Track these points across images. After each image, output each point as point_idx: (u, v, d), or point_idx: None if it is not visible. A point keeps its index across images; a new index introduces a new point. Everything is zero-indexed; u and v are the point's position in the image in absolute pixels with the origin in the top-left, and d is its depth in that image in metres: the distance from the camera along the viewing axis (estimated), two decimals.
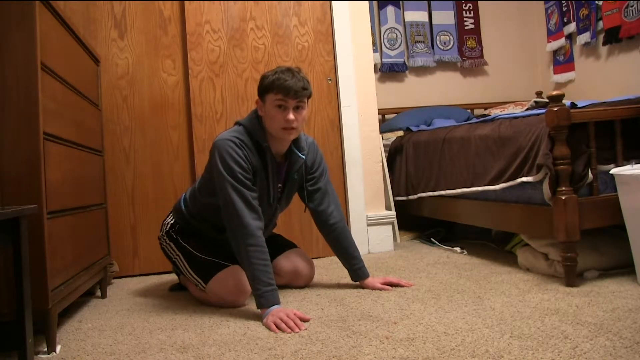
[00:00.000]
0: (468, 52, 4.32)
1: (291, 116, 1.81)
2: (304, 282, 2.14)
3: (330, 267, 2.55)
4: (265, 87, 1.84)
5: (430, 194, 2.95)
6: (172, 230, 2.11)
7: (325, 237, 2.11)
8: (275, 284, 1.74)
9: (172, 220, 2.15)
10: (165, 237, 2.12)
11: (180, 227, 2.10)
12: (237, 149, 1.81)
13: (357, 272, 2.08)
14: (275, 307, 1.68)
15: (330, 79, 2.93)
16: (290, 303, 1.91)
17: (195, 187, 2.08)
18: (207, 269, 1.93)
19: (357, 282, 2.09)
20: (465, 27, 4.33)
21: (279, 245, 2.18)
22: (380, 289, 2.01)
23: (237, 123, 1.94)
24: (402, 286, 2.03)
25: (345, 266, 2.11)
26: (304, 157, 1.99)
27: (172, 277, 2.47)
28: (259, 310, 1.71)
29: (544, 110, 2.00)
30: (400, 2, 4.19)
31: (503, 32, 4.41)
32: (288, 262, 2.12)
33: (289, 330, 1.55)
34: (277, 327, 1.58)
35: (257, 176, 1.88)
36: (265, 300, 1.69)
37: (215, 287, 1.89)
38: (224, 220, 1.82)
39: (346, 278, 2.17)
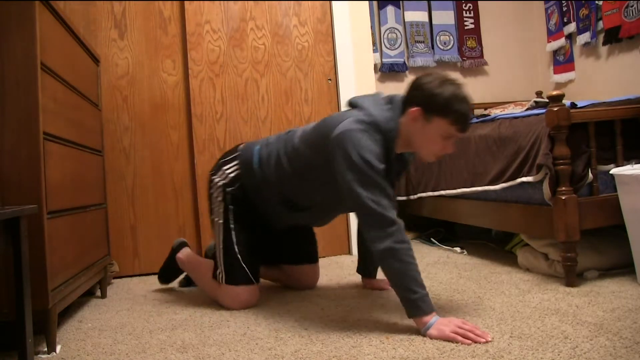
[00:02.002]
0: (468, 52, 4.32)
1: (452, 148, 1.60)
2: (305, 289, 2.14)
3: (330, 267, 2.55)
4: (441, 109, 1.53)
5: (430, 194, 2.95)
6: (231, 188, 1.86)
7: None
8: None
9: (235, 170, 1.87)
10: (218, 188, 1.88)
11: (241, 191, 1.85)
12: (374, 144, 1.54)
13: (372, 270, 2.05)
14: (436, 317, 1.45)
15: (330, 79, 2.93)
16: (290, 303, 1.91)
17: (284, 154, 1.78)
18: (236, 272, 1.84)
19: (361, 277, 2.08)
20: (465, 27, 4.33)
21: (310, 254, 2.13)
22: (382, 289, 2.00)
23: (368, 114, 1.61)
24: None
25: (363, 261, 2.07)
26: (409, 161, 1.85)
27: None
28: (412, 317, 1.47)
29: (544, 110, 2.00)
30: (400, 2, 4.19)
31: (503, 32, 4.41)
32: (306, 276, 2.11)
33: (482, 339, 1.35)
34: (463, 336, 1.36)
35: None
36: (427, 306, 1.45)
37: (232, 292, 1.85)
38: (363, 217, 1.55)
39: (346, 278, 2.17)
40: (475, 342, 1.34)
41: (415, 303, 1.45)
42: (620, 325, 1.40)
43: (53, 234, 1.53)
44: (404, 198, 3.26)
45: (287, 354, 1.37)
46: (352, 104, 1.71)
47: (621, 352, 1.22)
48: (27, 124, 1.46)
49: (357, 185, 1.51)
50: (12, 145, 1.45)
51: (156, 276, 2.35)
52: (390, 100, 1.66)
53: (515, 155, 2.15)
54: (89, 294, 2.25)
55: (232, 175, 1.87)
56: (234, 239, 1.84)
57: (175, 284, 2.36)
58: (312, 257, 2.13)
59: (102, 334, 1.67)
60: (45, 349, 1.50)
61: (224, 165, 1.91)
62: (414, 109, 1.56)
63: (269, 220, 1.93)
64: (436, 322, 1.42)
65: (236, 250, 1.83)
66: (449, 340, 1.37)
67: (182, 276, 2.35)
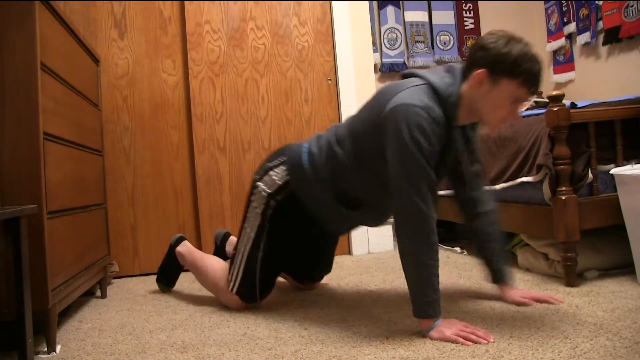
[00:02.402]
0: (468, 52, 4.32)
1: (519, 112, 1.49)
2: (305, 290, 2.14)
3: None
4: (510, 69, 1.40)
5: None
6: (277, 198, 1.71)
7: (475, 228, 1.76)
8: None
9: (283, 176, 1.71)
10: (262, 197, 1.73)
11: (289, 199, 1.71)
12: (431, 123, 1.41)
13: (506, 272, 1.74)
14: (440, 319, 1.43)
15: (330, 79, 2.93)
16: (290, 303, 1.91)
17: (336, 141, 1.64)
18: (248, 288, 1.78)
19: (497, 285, 1.76)
20: (466, 27, 4.33)
21: (322, 274, 2.08)
22: (521, 304, 1.67)
23: (426, 81, 1.49)
24: (550, 303, 1.66)
25: (490, 265, 1.76)
26: (472, 138, 1.66)
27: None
28: (418, 317, 1.44)
29: (543, 110, 2.00)
30: (400, 2, 4.19)
31: None
32: (309, 286, 2.10)
33: (484, 341, 1.33)
34: (465, 339, 1.34)
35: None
36: (434, 311, 1.42)
37: (236, 299, 1.82)
38: (403, 211, 1.43)
39: (346, 278, 2.17)
40: (477, 343, 1.33)
41: (424, 305, 1.42)
42: (620, 325, 1.40)
43: (53, 234, 1.53)
44: None
45: (287, 354, 1.37)
46: (407, 75, 1.59)
47: (621, 352, 1.22)
48: (27, 124, 1.46)
49: (404, 174, 1.41)
50: (12, 145, 1.45)
51: (156, 276, 2.31)
52: (448, 69, 1.55)
53: (515, 155, 2.15)
54: (89, 294, 2.25)
55: (279, 182, 1.72)
56: (259, 256, 1.75)
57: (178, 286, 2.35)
58: (322, 276, 2.12)
59: (102, 334, 1.66)
60: (45, 349, 1.50)
61: (271, 170, 1.75)
62: (479, 71, 1.43)
63: (324, 225, 1.78)
64: (438, 324, 1.42)
65: (257, 268, 1.76)
66: (450, 342, 1.36)
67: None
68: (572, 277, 1.87)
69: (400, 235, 1.45)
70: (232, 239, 2.34)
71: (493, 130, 1.55)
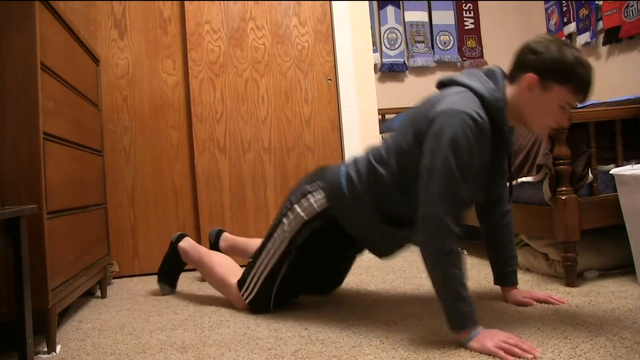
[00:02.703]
0: (468, 52, 4.32)
1: (568, 120, 1.46)
2: None
3: None
4: (563, 75, 1.36)
5: None
6: (313, 224, 1.64)
7: (487, 226, 1.74)
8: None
9: (323, 204, 1.63)
10: (297, 221, 1.66)
11: (327, 225, 1.64)
12: (475, 132, 1.35)
13: (511, 275, 1.74)
14: (479, 328, 1.33)
15: (330, 79, 2.93)
16: (290, 303, 1.91)
17: (378, 159, 1.56)
18: (262, 300, 1.75)
19: (501, 289, 1.76)
20: (465, 27, 4.33)
21: (342, 279, 1.99)
22: (525, 304, 1.67)
23: (473, 90, 1.43)
24: (551, 303, 1.66)
25: (496, 266, 1.76)
26: (511, 143, 1.57)
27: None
28: (453, 330, 1.35)
29: None
30: (400, 2, 4.19)
31: (503, 32, 4.41)
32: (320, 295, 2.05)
33: (529, 355, 1.22)
34: (507, 352, 1.24)
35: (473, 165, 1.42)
36: (469, 321, 1.33)
37: (242, 301, 1.81)
38: (427, 218, 1.37)
39: (346, 278, 2.16)
40: (521, 357, 1.22)
41: (459, 318, 1.33)
42: (620, 325, 1.40)
43: (53, 234, 1.53)
44: None
45: (287, 354, 1.37)
46: (446, 83, 1.53)
47: (621, 352, 1.22)
48: (27, 124, 1.46)
49: (434, 180, 1.34)
50: (12, 145, 1.45)
51: (156, 276, 2.27)
52: (487, 72, 1.50)
53: (515, 155, 2.15)
54: (89, 294, 2.25)
55: (318, 209, 1.64)
56: (280, 275, 1.71)
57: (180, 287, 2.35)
58: (332, 291, 2.05)
59: (102, 334, 1.66)
60: (45, 349, 1.50)
61: (309, 194, 1.67)
62: (529, 75, 1.39)
63: (369, 248, 1.70)
64: (478, 334, 1.31)
65: (275, 286, 1.73)
66: (490, 354, 1.26)
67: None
68: (572, 277, 1.87)
69: (421, 245, 1.40)
70: (226, 235, 2.33)
71: (536, 134, 1.49)
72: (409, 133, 1.49)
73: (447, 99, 1.41)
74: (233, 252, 2.23)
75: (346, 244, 1.71)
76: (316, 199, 1.65)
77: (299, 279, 1.74)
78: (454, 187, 1.35)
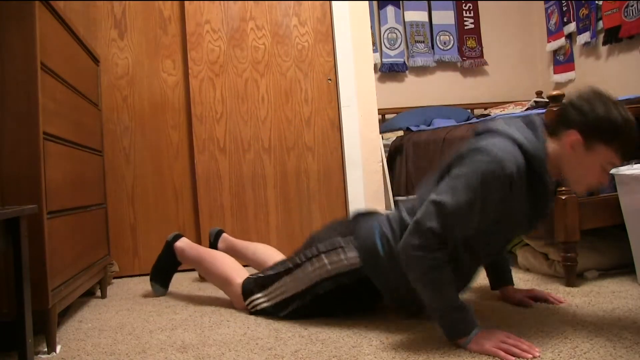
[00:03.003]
0: (468, 52, 4.32)
1: (607, 179, 1.39)
2: None
3: None
4: (609, 136, 1.30)
5: None
6: (338, 281, 1.58)
7: None
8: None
9: (354, 262, 1.55)
10: (325, 270, 1.59)
11: (356, 281, 1.57)
12: (512, 180, 1.29)
13: (507, 275, 1.74)
14: (477, 329, 1.31)
15: (330, 79, 2.93)
16: None
17: (411, 213, 1.47)
18: (272, 315, 1.71)
19: (500, 291, 1.75)
20: (465, 27, 4.33)
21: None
22: (525, 304, 1.66)
23: (512, 138, 1.35)
24: (550, 302, 1.66)
25: (492, 273, 1.76)
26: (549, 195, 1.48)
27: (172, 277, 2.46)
28: (450, 339, 1.34)
29: (544, 110, 2.00)
30: (400, 2, 4.19)
31: (503, 32, 4.41)
32: None
33: (528, 355, 1.22)
34: (506, 352, 1.23)
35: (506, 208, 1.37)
36: (465, 326, 1.31)
37: (241, 297, 1.80)
38: (419, 216, 1.33)
39: None
40: (520, 357, 1.21)
41: (452, 326, 1.32)
42: (620, 325, 1.40)
43: (53, 234, 1.53)
44: (404, 198, 3.26)
45: (287, 354, 1.37)
46: (483, 132, 1.42)
47: (621, 352, 1.22)
48: (27, 124, 1.46)
49: (451, 197, 1.29)
50: (12, 145, 1.45)
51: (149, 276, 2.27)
52: (527, 122, 1.42)
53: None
54: (89, 294, 2.25)
55: (348, 268, 1.56)
56: (287, 310, 1.68)
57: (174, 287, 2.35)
58: None
59: (102, 334, 1.67)
60: (45, 349, 1.49)
61: (340, 249, 1.58)
62: (573, 134, 1.32)
63: (397, 302, 1.61)
64: (477, 335, 1.29)
65: (286, 311, 1.69)
66: (490, 355, 1.25)
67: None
68: (572, 277, 1.88)
69: (404, 263, 1.36)
70: (225, 236, 2.32)
71: (577, 191, 1.44)
72: (438, 181, 1.43)
73: (482, 140, 1.35)
74: (231, 254, 2.22)
75: (369, 297, 1.63)
76: (347, 257, 1.57)
77: (306, 315, 1.68)
78: (461, 217, 1.30)
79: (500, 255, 1.70)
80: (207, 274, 2.03)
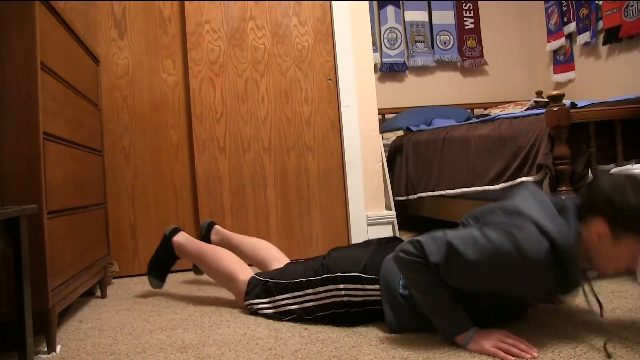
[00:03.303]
0: (468, 52, 4.32)
1: (636, 263, 1.34)
2: None
3: None
4: (637, 225, 1.24)
5: (430, 193, 2.95)
6: (355, 310, 1.58)
7: None
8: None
9: (370, 294, 1.55)
10: (339, 299, 1.59)
11: (369, 311, 1.57)
12: (530, 271, 1.28)
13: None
14: (475, 328, 1.32)
15: (330, 79, 2.93)
16: None
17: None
18: (271, 318, 1.72)
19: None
20: (465, 27, 4.33)
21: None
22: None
23: (538, 225, 1.28)
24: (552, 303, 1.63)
25: None
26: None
27: (172, 277, 2.47)
28: (447, 338, 1.35)
29: (544, 110, 2.00)
30: (400, 1, 4.19)
31: (503, 32, 4.41)
32: None
33: (527, 355, 1.22)
34: (506, 352, 1.24)
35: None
36: (460, 325, 1.32)
37: (243, 291, 1.80)
38: (418, 245, 1.32)
39: None
40: (519, 357, 1.22)
41: (449, 325, 1.33)
42: (620, 326, 1.40)
43: (53, 234, 1.53)
44: (403, 198, 3.26)
45: (287, 354, 1.37)
46: (512, 212, 1.36)
47: (621, 352, 1.22)
48: (27, 124, 1.46)
49: (471, 245, 1.27)
50: (12, 145, 1.45)
51: (147, 269, 2.24)
52: (560, 207, 1.36)
53: (515, 155, 2.15)
54: (89, 294, 2.25)
55: (364, 299, 1.56)
56: (287, 318, 1.68)
57: (174, 284, 2.35)
58: None
59: (102, 334, 1.67)
60: (45, 349, 1.50)
61: (360, 284, 1.56)
62: (600, 223, 1.27)
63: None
64: (476, 335, 1.30)
65: (281, 320, 1.69)
66: (489, 355, 1.25)
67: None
68: None
69: (399, 267, 1.38)
70: (218, 228, 2.29)
71: (604, 274, 1.41)
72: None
73: (515, 220, 1.30)
74: (226, 248, 2.19)
75: (368, 320, 1.61)
76: (366, 292, 1.56)
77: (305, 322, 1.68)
78: (465, 272, 1.29)
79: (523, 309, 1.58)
80: (208, 270, 2.00)
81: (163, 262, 2.18)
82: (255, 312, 1.77)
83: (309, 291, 1.65)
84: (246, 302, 1.78)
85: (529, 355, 1.22)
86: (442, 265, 1.28)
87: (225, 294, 2.12)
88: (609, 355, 1.20)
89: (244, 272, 1.85)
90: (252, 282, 1.79)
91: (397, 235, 3.16)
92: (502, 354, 1.23)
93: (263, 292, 1.75)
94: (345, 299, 1.58)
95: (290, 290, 1.69)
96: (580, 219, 1.33)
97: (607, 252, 1.29)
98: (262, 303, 1.74)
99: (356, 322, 1.60)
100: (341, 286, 1.58)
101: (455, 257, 1.27)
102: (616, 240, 1.26)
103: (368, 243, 1.74)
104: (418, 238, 1.33)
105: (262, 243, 2.19)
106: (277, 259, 2.03)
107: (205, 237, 2.30)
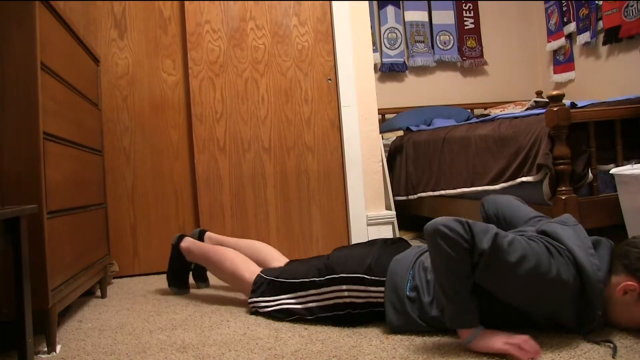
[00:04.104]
0: (468, 52, 4.32)
1: None
2: None
3: None
4: None
5: (430, 193, 2.95)
6: (359, 311, 1.57)
7: None
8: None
9: (374, 297, 1.54)
10: (343, 299, 1.58)
11: (373, 312, 1.56)
12: (565, 290, 1.28)
13: None
14: (480, 328, 1.30)
15: (330, 79, 2.93)
16: None
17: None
18: (272, 318, 1.72)
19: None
20: (465, 27, 4.33)
21: None
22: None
23: (576, 259, 1.30)
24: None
25: None
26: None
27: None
28: (454, 327, 1.32)
29: (544, 110, 2.00)
30: (400, 1, 4.19)
31: (503, 32, 4.41)
32: None
33: (537, 355, 1.23)
34: (521, 349, 1.23)
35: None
36: (470, 318, 1.29)
37: (250, 288, 1.80)
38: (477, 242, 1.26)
39: None
40: (529, 354, 1.21)
41: (460, 314, 1.30)
42: None
43: (53, 234, 1.53)
44: (403, 198, 3.26)
45: (287, 354, 1.37)
46: (549, 234, 1.38)
47: (621, 352, 1.22)
48: (27, 124, 1.46)
49: (520, 255, 1.26)
50: (12, 145, 1.45)
51: (156, 276, 2.28)
52: (595, 243, 1.39)
53: (515, 155, 2.15)
54: (89, 294, 2.25)
55: (368, 300, 1.55)
56: (292, 317, 1.67)
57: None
58: None
59: (102, 334, 1.67)
60: (45, 349, 1.50)
61: (363, 285, 1.55)
62: (631, 282, 1.29)
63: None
64: (482, 334, 1.28)
65: (285, 319, 1.69)
66: (499, 354, 1.24)
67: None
68: None
69: (439, 226, 1.28)
70: (209, 234, 2.28)
71: (618, 326, 1.39)
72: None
73: (557, 255, 1.30)
74: (206, 259, 2.16)
75: (369, 322, 1.61)
76: (369, 294, 1.55)
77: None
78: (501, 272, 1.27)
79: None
80: (215, 271, 2.02)
81: (178, 270, 2.19)
82: (256, 312, 1.77)
83: (312, 292, 1.64)
84: (250, 300, 1.78)
85: (537, 355, 1.22)
86: (487, 254, 1.24)
87: (225, 294, 2.12)
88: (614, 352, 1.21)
89: (249, 270, 1.85)
90: (258, 280, 1.79)
91: (397, 235, 3.17)
92: (513, 350, 1.22)
93: (267, 291, 1.75)
94: (348, 300, 1.58)
95: (294, 290, 1.68)
96: (612, 267, 1.34)
97: (628, 309, 1.31)
98: (266, 302, 1.74)
99: (357, 323, 1.59)
100: (344, 287, 1.58)
101: (499, 253, 1.25)
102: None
103: (372, 243, 1.73)
104: (465, 220, 1.28)
105: (258, 244, 2.18)
106: (277, 259, 2.02)
107: None
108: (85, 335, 1.66)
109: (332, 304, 1.61)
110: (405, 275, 1.49)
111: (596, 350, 1.24)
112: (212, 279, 2.30)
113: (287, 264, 1.90)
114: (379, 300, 1.53)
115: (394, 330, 1.49)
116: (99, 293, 2.25)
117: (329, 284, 1.61)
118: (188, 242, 2.14)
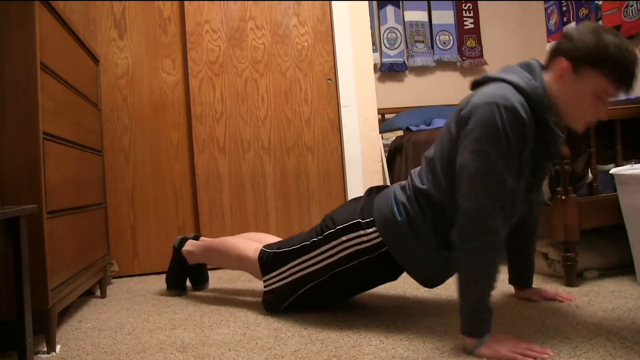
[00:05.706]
0: (468, 52, 4.32)
1: (606, 112, 1.34)
2: None
3: None
4: (594, 58, 1.27)
5: None
6: (366, 257, 1.55)
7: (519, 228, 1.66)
8: None
9: (374, 238, 1.52)
10: (348, 250, 1.57)
11: (381, 258, 1.54)
12: (513, 123, 1.26)
13: (529, 279, 1.76)
14: (488, 334, 1.28)
15: (330, 79, 2.93)
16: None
17: (427, 180, 1.46)
18: (283, 298, 1.71)
19: (515, 289, 1.78)
20: (465, 27, 4.33)
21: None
22: (535, 301, 1.71)
23: (508, 82, 1.34)
24: (560, 301, 1.68)
25: (516, 267, 1.76)
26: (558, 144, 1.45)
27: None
28: (467, 335, 1.29)
29: None
30: (400, 1, 4.19)
31: (503, 32, 4.41)
32: None
33: (545, 356, 1.21)
34: (524, 356, 1.21)
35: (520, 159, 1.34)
36: (485, 328, 1.27)
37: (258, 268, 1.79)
38: (464, 207, 1.29)
39: None
40: (536, 359, 1.20)
41: (478, 323, 1.27)
42: (620, 325, 1.40)
43: (53, 234, 1.53)
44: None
45: (287, 354, 1.37)
46: (479, 82, 1.42)
47: (621, 352, 1.22)
48: (27, 124, 1.46)
49: (476, 173, 1.27)
50: (12, 145, 1.45)
51: (156, 276, 2.28)
52: (523, 64, 1.41)
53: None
54: (89, 294, 2.25)
55: (369, 245, 1.54)
56: (304, 288, 1.67)
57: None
58: None
59: (102, 334, 1.66)
60: (45, 349, 1.49)
61: (360, 229, 1.54)
62: (561, 61, 1.32)
63: (419, 278, 1.58)
64: (487, 340, 1.26)
65: (296, 293, 1.68)
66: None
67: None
68: (572, 276, 1.88)
69: (462, 237, 1.29)
70: (190, 242, 2.21)
71: (577, 129, 1.41)
72: (449, 140, 1.41)
73: (480, 92, 1.35)
74: (210, 252, 2.12)
75: (388, 273, 1.65)
76: (367, 232, 1.54)
77: (322, 295, 1.69)
78: (498, 183, 1.27)
79: (530, 211, 1.62)
80: (221, 263, 2.01)
81: (178, 273, 2.18)
82: (269, 300, 1.73)
83: (315, 253, 1.63)
84: (264, 279, 1.75)
85: (546, 356, 1.21)
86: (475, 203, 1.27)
87: (224, 294, 2.12)
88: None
89: (252, 249, 1.84)
90: (262, 255, 1.78)
91: None
92: (521, 357, 1.21)
93: (275, 264, 1.73)
94: (352, 249, 1.56)
95: (297, 256, 1.67)
96: (547, 69, 1.38)
97: (572, 92, 1.32)
98: (278, 274, 1.71)
99: (377, 273, 1.60)
100: (344, 238, 1.57)
101: (475, 177, 1.27)
102: (578, 75, 1.30)
103: (359, 197, 1.74)
104: (469, 211, 1.28)
105: (253, 233, 2.15)
106: (274, 239, 2.01)
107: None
108: (85, 335, 1.66)
109: (336, 259, 1.59)
110: (388, 199, 1.52)
111: (596, 350, 1.24)
112: (212, 279, 2.30)
113: (288, 237, 1.87)
114: (381, 239, 1.52)
115: (407, 266, 1.52)
116: (98, 293, 2.25)
117: (328, 241, 1.60)
118: (189, 246, 2.14)
